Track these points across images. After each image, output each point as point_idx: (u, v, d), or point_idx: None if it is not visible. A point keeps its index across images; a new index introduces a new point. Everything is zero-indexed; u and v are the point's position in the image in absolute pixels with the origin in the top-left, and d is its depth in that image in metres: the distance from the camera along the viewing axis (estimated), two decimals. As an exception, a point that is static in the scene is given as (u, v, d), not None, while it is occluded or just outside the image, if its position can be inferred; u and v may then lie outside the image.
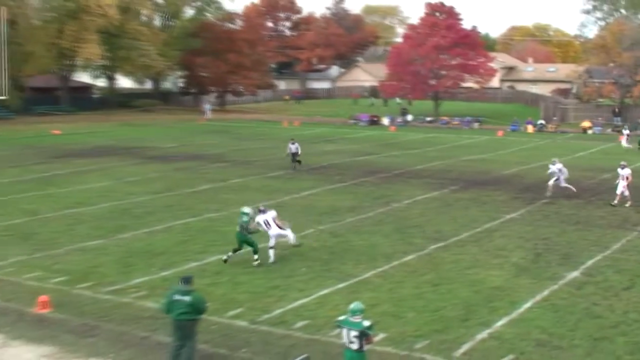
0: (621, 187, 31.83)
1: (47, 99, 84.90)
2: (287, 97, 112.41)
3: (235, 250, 21.96)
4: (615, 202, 31.59)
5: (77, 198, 32.32)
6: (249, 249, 21.93)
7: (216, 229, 26.69)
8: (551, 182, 33.90)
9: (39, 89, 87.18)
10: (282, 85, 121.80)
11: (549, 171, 34.79)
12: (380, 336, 16.17)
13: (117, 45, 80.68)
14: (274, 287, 19.80)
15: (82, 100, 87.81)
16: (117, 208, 30.09)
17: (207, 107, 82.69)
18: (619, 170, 32.48)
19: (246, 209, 22.24)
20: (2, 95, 61.41)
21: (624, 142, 57.26)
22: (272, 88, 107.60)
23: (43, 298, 18.03)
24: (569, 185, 33.76)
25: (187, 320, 14.25)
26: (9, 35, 65.85)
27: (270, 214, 22.54)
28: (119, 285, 19.88)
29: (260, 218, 22.32)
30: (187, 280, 14.54)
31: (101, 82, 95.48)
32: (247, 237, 21.80)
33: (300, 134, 63.99)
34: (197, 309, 14.32)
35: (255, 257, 21.81)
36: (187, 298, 14.23)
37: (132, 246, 23.99)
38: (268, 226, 22.26)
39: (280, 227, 22.58)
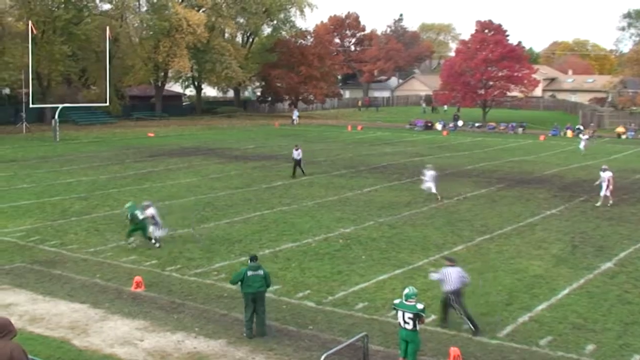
0: (605, 189, 30.25)
1: (144, 106, 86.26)
2: (360, 104, 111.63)
3: (129, 235, 22.44)
4: (599, 203, 30.29)
5: (168, 192, 32.78)
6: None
7: (288, 220, 26.80)
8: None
9: (136, 97, 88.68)
10: (347, 94, 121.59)
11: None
12: (431, 318, 16.03)
13: (204, 59, 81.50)
14: (338, 273, 19.77)
15: (173, 107, 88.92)
16: (202, 201, 30.42)
17: (295, 114, 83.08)
18: (601, 173, 30.91)
19: (129, 204, 23.05)
20: (105, 103, 62.61)
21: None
22: (338, 97, 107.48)
23: (138, 278, 18.33)
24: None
25: (262, 292, 15.23)
26: (113, 51, 67.18)
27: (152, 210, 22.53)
28: (202, 268, 20.09)
29: (149, 211, 22.33)
30: (255, 258, 15.52)
31: (190, 92, 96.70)
32: (138, 225, 22.31)
33: (362, 137, 63.85)
34: (268, 281, 15.37)
35: (153, 241, 22.25)
36: (260, 272, 15.23)
37: (214, 234, 24.21)
38: (155, 219, 22.35)
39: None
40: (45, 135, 59.53)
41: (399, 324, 13.00)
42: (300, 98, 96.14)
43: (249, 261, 15.50)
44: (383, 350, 14.29)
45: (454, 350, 13.96)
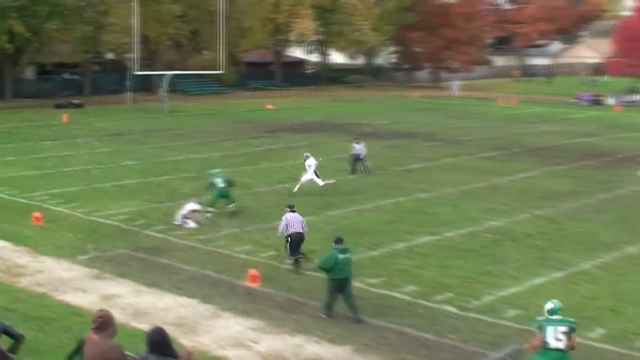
0: None
1: (261, 74, 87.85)
2: (516, 73, 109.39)
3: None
4: None
5: (289, 173, 33.23)
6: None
7: (426, 209, 26.65)
8: None
9: (253, 64, 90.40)
10: (498, 61, 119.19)
11: None
12: (598, 332, 15.56)
13: (331, 20, 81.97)
14: (484, 273, 19.50)
15: (294, 75, 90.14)
16: (327, 185, 30.61)
17: (455, 83, 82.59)
18: None
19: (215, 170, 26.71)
20: (219, 70, 63.94)
21: None
22: (487, 64, 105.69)
23: (253, 272, 18.70)
24: None
25: (351, 273, 16.53)
26: (228, 10, 68.56)
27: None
28: (326, 262, 20.27)
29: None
30: (341, 239, 16.63)
31: (314, 58, 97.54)
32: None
33: (516, 113, 62.55)
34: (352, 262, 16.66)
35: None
36: (349, 255, 16.47)
37: (340, 224, 24.37)
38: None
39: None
40: (151, 106, 61.74)
41: (545, 345, 12.32)
42: (442, 66, 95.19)
43: (334, 243, 16.50)
44: (538, 368, 13.96)
45: None
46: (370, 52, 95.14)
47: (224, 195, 25.27)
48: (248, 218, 25.04)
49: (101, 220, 24.60)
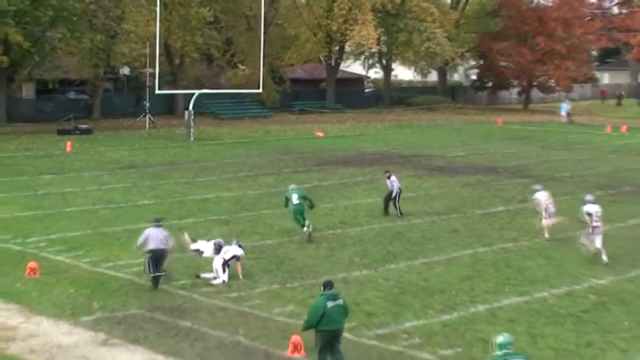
0: None
1: (310, 94, 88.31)
2: (621, 94, 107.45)
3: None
4: None
5: (340, 216, 33.26)
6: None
7: (512, 262, 26.43)
8: None
9: (300, 81, 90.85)
10: (604, 78, 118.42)
11: None
12: None
13: (397, 26, 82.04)
14: (586, 345, 19.21)
15: (350, 95, 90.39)
16: (389, 231, 30.56)
17: (564, 107, 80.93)
18: None
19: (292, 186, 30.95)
20: (257, 89, 64.04)
21: None
22: (592, 82, 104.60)
23: (296, 339, 18.56)
24: None
25: (343, 327, 17.08)
26: (269, 15, 68.90)
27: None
28: (386, 328, 20.14)
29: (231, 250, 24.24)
30: (331, 284, 17.40)
31: (374, 74, 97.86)
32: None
33: (627, 143, 61.95)
34: (347, 312, 17.33)
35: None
36: (341, 301, 16.96)
37: (405, 280, 24.27)
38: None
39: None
40: (174, 132, 62.38)
41: None
42: (535, 83, 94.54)
43: (323, 289, 17.18)
44: None
45: None
46: (445, 67, 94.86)
47: (298, 212, 29.15)
48: (290, 272, 25.02)
49: (110, 272, 24.79)
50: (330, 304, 16.57)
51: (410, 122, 76.21)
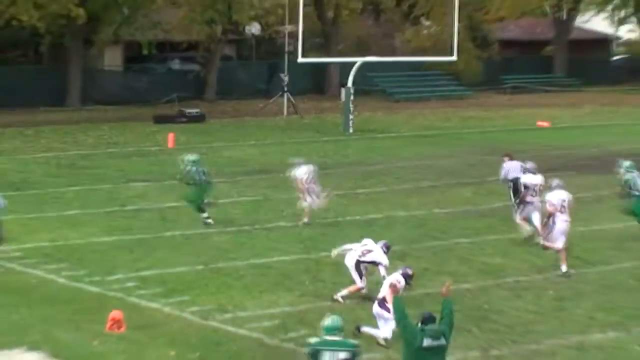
0: None
1: (528, 63, 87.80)
2: None
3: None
4: None
5: (575, 249, 32.55)
6: None
7: None
8: None
9: (513, 44, 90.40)
10: None
11: None
12: None
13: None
14: None
15: (590, 65, 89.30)
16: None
17: None
18: None
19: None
20: (449, 55, 63.59)
21: None
22: None
23: None
24: None
25: None
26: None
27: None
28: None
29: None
30: (432, 317, 17.54)
31: (628, 33, 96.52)
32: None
33: None
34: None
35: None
36: (444, 344, 17.36)
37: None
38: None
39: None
40: (325, 120, 62.83)
41: None
42: None
43: (420, 324, 17.32)
44: None
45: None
46: None
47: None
48: (497, 331, 24.64)
49: (228, 327, 24.94)
50: (427, 341, 16.98)
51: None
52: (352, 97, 59.00)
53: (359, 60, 62.35)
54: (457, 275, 29.57)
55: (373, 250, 25.06)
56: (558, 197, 30.20)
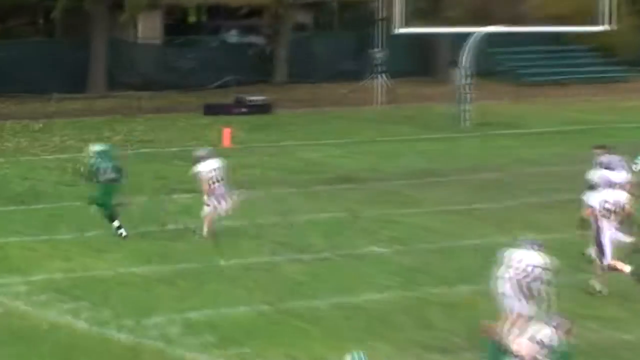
0: None
1: None
2: None
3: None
4: None
5: None
6: None
7: None
8: None
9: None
10: None
11: None
12: None
13: None
14: None
15: None
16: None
17: None
18: None
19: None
20: (600, 24, 63.50)
21: None
22: None
23: None
24: None
25: None
26: None
27: None
28: None
29: None
30: None
31: None
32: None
33: None
34: None
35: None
36: None
37: None
38: None
39: None
40: (431, 110, 63.10)
41: None
42: None
43: None
44: None
45: None
46: None
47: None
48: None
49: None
50: None
51: None
52: (467, 81, 59.08)
53: (477, 31, 62.45)
54: (615, 321, 29.39)
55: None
56: None
